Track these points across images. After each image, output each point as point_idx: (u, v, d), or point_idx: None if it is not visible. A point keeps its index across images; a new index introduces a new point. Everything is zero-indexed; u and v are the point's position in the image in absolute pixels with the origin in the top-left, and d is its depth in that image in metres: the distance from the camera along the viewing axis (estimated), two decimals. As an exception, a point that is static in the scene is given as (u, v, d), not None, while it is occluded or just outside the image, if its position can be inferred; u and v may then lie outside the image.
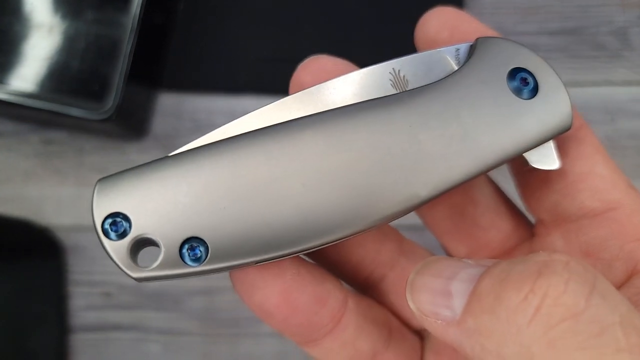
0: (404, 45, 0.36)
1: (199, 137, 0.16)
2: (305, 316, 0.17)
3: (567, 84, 0.17)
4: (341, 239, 0.16)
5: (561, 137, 0.18)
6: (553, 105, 0.17)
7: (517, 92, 0.17)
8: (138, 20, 0.33)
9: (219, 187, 0.15)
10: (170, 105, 0.37)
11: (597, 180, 0.18)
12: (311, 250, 0.16)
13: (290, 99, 0.17)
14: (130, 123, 0.35)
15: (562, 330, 0.12)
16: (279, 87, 0.37)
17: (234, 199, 0.15)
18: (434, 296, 0.15)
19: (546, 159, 0.17)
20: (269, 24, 0.37)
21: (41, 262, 0.36)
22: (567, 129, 0.17)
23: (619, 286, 0.17)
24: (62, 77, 0.33)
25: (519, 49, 0.17)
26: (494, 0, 0.38)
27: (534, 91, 0.17)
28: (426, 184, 0.16)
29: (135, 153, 0.36)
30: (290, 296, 0.17)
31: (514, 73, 0.17)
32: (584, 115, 0.19)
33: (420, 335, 0.21)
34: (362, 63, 0.19)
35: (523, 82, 0.17)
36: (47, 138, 0.37)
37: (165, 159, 0.16)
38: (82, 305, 0.36)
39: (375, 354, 0.19)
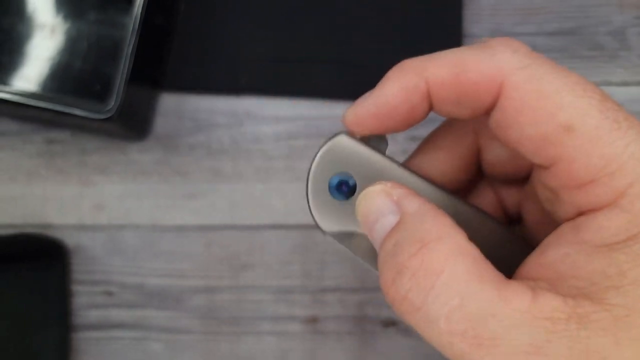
0: (404, 44, 0.37)
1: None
2: None
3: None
4: None
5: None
6: None
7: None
8: (140, 21, 0.33)
9: None
10: (171, 105, 0.37)
11: (535, 142, 0.17)
12: None
13: None
14: (132, 123, 0.35)
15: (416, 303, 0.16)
16: (280, 87, 0.38)
17: None
18: (367, 220, 0.19)
19: None
20: (269, 24, 0.38)
21: (44, 261, 0.36)
22: None
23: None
24: (64, 77, 0.34)
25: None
26: (492, 1, 0.38)
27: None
28: None
29: (136, 153, 0.37)
30: None
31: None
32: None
33: None
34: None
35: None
36: (50, 138, 0.37)
37: None
38: (84, 304, 0.36)
39: None
